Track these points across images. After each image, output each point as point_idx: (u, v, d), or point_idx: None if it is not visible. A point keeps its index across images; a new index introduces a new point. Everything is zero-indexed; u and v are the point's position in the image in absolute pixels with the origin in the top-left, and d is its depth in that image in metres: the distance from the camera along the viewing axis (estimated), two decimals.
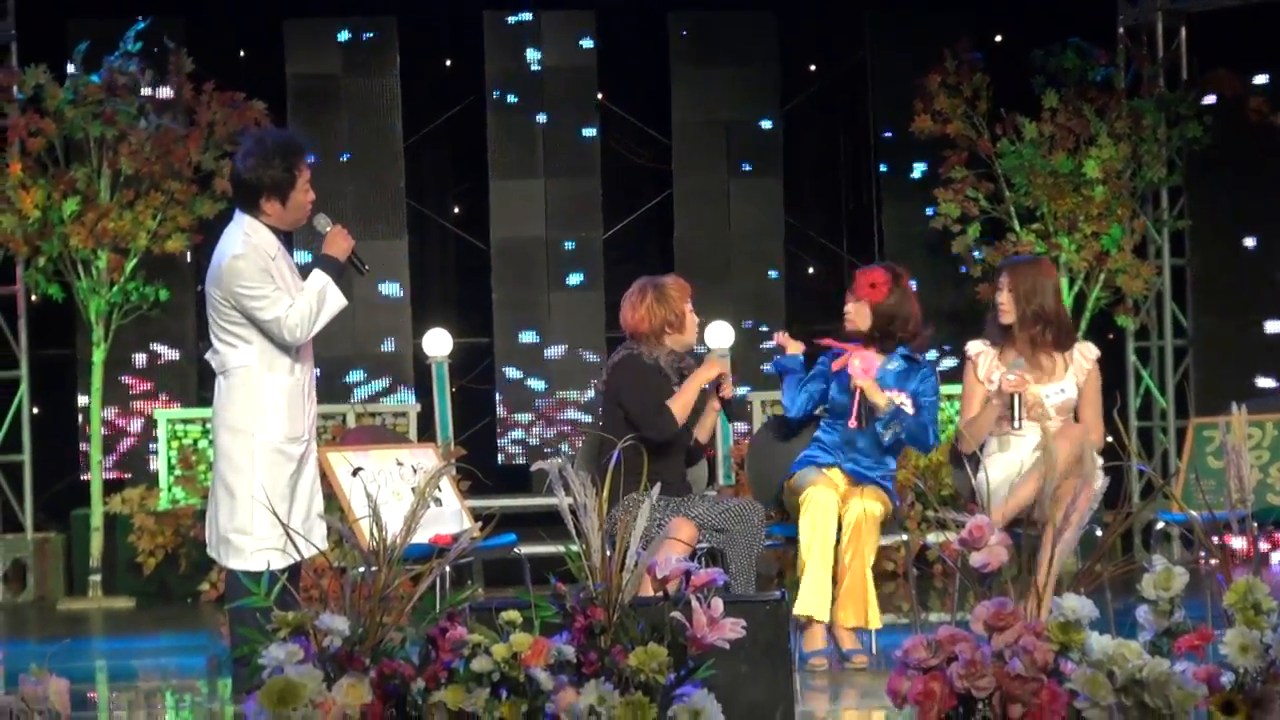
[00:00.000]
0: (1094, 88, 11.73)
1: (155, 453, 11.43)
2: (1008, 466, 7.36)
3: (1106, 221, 11.62)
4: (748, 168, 12.47)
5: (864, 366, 7.54)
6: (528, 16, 12.35)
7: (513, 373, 12.28)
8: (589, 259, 12.28)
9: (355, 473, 7.34)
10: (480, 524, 6.47)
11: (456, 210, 13.02)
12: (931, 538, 10.77)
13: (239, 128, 10.95)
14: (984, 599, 4.74)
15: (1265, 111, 11.74)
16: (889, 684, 4.77)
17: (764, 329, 12.28)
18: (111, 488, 11.34)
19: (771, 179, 12.51)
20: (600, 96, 12.46)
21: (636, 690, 4.80)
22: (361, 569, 4.96)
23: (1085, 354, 7.52)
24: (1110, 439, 7.56)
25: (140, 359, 11.88)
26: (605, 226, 12.45)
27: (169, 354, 11.93)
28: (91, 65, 11.07)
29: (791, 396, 7.75)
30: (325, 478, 7.16)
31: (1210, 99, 11.84)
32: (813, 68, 13.01)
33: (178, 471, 11.23)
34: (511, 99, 12.34)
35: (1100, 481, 5.26)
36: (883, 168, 12.59)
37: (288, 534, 5.88)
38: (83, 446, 11.62)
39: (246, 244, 6.49)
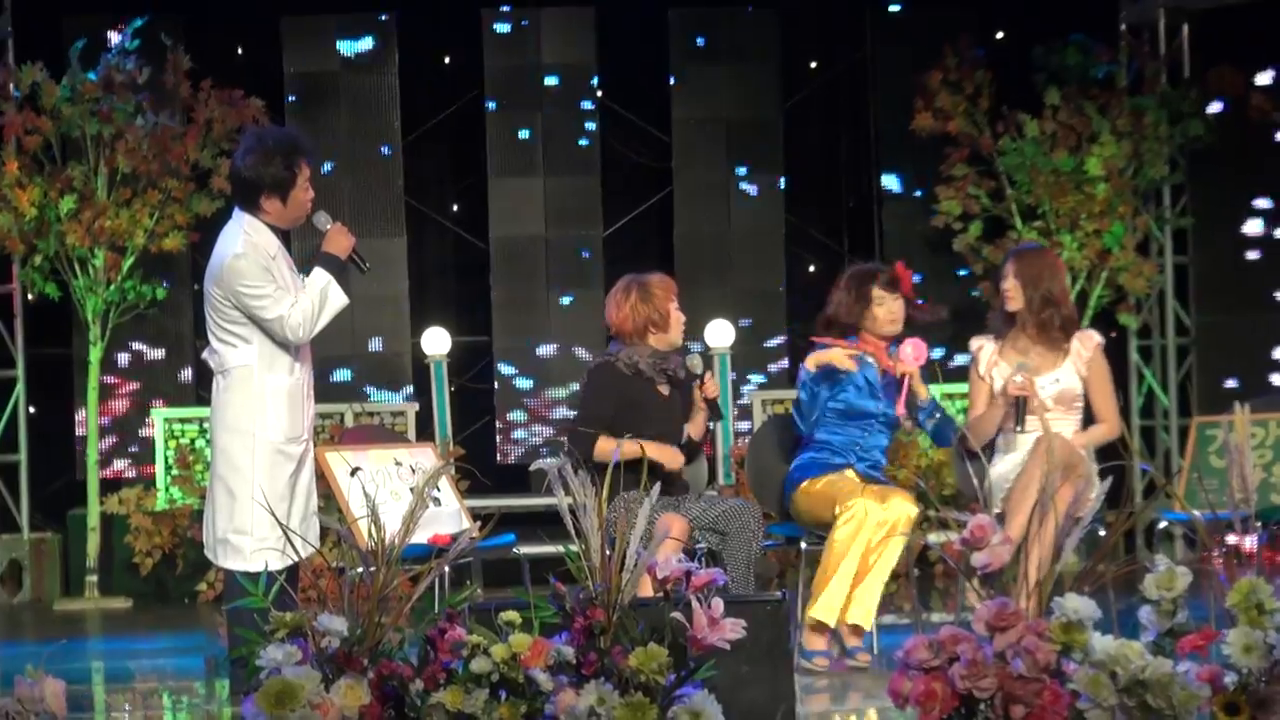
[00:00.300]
0: (1096, 85, 11.73)
1: (152, 452, 11.42)
2: (1011, 467, 7.36)
3: (1108, 219, 11.62)
4: (748, 166, 12.46)
5: (915, 354, 7.51)
6: (527, 14, 12.34)
7: (511, 372, 12.28)
8: (588, 258, 12.27)
9: (353, 472, 7.34)
10: (479, 524, 6.47)
11: (455, 208, 13.01)
12: (933, 537, 10.77)
13: (237, 126, 10.95)
14: (985, 599, 4.75)
15: (1268, 109, 11.74)
16: (890, 685, 4.77)
17: (764, 328, 12.28)
18: (108, 487, 11.34)
19: (772, 176, 12.50)
20: (600, 94, 12.45)
21: (636, 691, 4.80)
22: (360, 569, 4.96)
23: (1084, 343, 7.52)
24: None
25: (138, 358, 11.87)
26: (605, 225, 12.45)
27: (166, 353, 11.92)
28: (88, 63, 11.06)
29: (807, 414, 7.56)
30: (323, 477, 7.15)
31: (1216, 107, 11.82)
32: (814, 65, 13.01)
33: (175, 471, 11.23)
34: (511, 97, 12.33)
35: (1097, 485, 5.26)
36: (884, 165, 12.58)
37: (286, 534, 5.89)
38: (79, 446, 11.61)
39: (247, 243, 6.49)
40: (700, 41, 12.43)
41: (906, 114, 11.86)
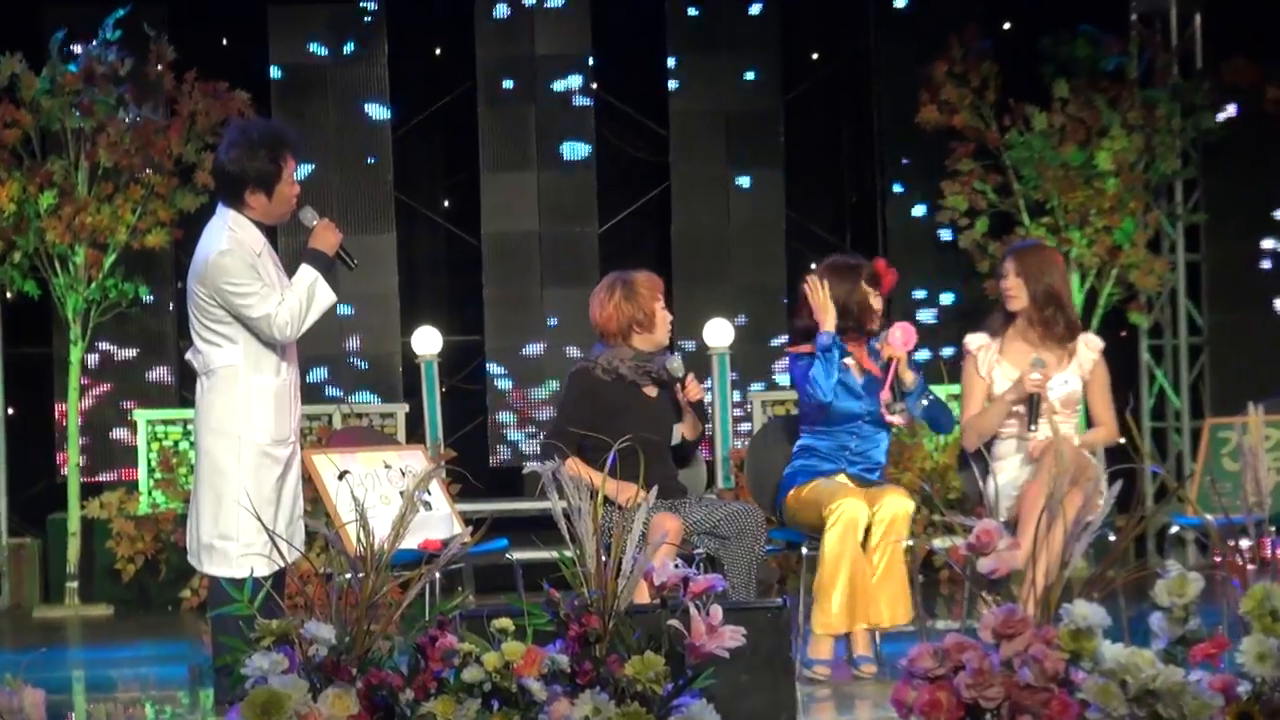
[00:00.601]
0: (1106, 77, 11.73)
1: (135, 455, 11.42)
2: (1018, 471, 7.36)
3: (1119, 215, 11.63)
4: (747, 160, 12.46)
5: (905, 338, 7.52)
6: (522, 2, 12.34)
7: (503, 372, 12.28)
8: (583, 254, 12.27)
9: (341, 476, 7.34)
10: (471, 529, 6.46)
11: (447, 204, 13.01)
12: (938, 543, 10.78)
13: (222, 119, 10.94)
14: (992, 606, 4.75)
15: None
16: (894, 694, 4.77)
17: (764, 327, 12.28)
18: (89, 491, 11.33)
19: (772, 171, 12.50)
20: (595, 86, 12.45)
21: (633, 701, 4.80)
22: (348, 575, 4.96)
23: (1089, 345, 7.53)
24: (1123, 440, 7.56)
25: (119, 358, 11.87)
26: (601, 221, 12.45)
27: (149, 353, 11.92)
28: (68, 54, 11.05)
29: (830, 374, 7.54)
30: (310, 481, 7.16)
31: (1230, 110, 11.82)
32: (815, 56, 13.01)
33: (158, 474, 11.22)
34: (504, 89, 12.34)
35: (1106, 488, 5.26)
36: (888, 160, 12.58)
37: (272, 539, 5.89)
38: (59, 448, 11.61)
39: (231, 239, 6.49)
40: (699, 31, 12.42)
41: (911, 107, 11.86)
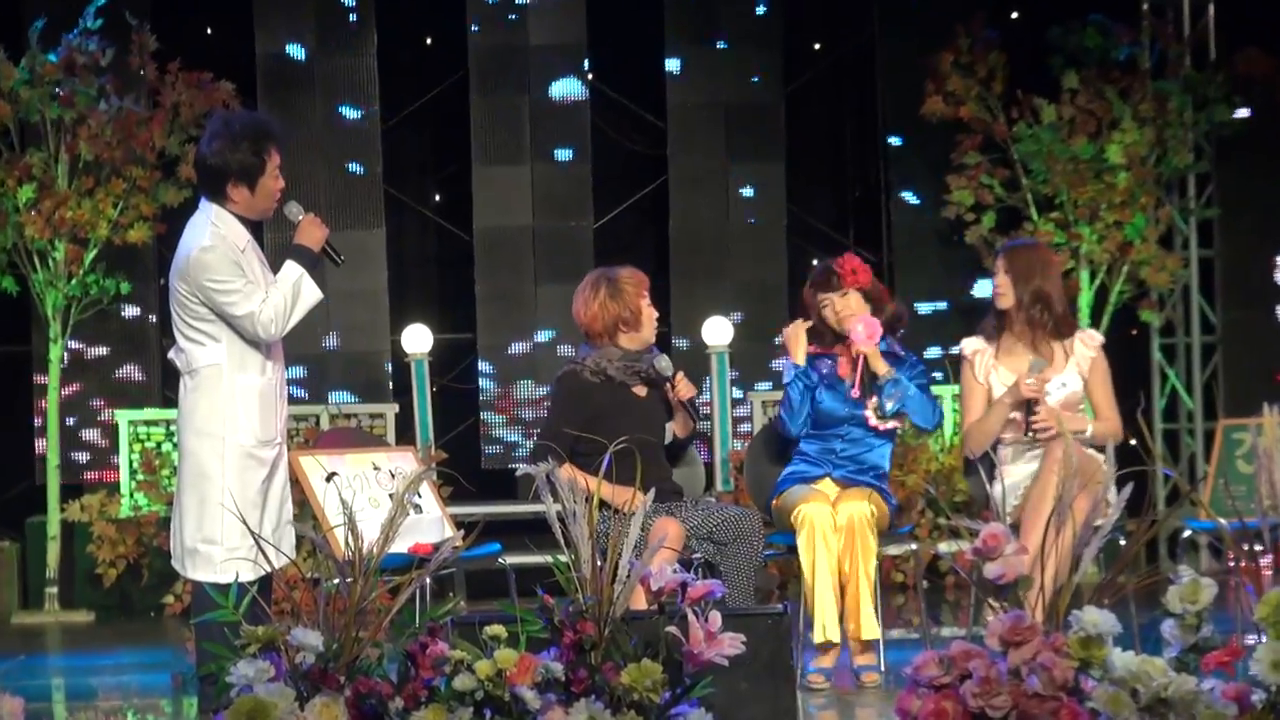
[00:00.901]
0: (1116, 68, 11.74)
1: (116, 457, 11.42)
2: (1025, 473, 7.36)
3: (1130, 210, 11.63)
4: (747, 153, 12.46)
5: (868, 332, 7.55)
6: None
7: (496, 371, 12.28)
8: (578, 250, 12.27)
9: (329, 478, 7.34)
10: (463, 532, 6.46)
11: (437, 198, 13.01)
12: (944, 547, 10.79)
13: (206, 110, 10.93)
14: (999, 612, 4.75)
15: None
16: (898, 703, 4.77)
17: (764, 325, 12.28)
18: (69, 494, 11.32)
19: (773, 165, 12.50)
20: (591, 76, 12.45)
21: (629, 710, 4.80)
22: (336, 581, 4.96)
23: (1086, 342, 7.53)
24: (1134, 442, 7.56)
25: (100, 356, 11.87)
26: (596, 215, 12.45)
27: (131, 351, 11.91)
28: (48, 43, 11.05)
29: (797, 411, 7.66)
30: (297, 483, 7.16)
31: (1244, 112, 11.82)
32: (817, 46, 13.01)
33: (140, 476, 11.22)
34: (497, 79, 12.33)
35: (1116, 491, 5.26)
36: (892, 153, 12.59)
37: (258, 543, 5.89)
38: (39, 449, 11.60)
39: (214, 235, 6.48)
40: (698, 20, 12.42)
41: (915, 98, 11.86)
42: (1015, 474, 7.40)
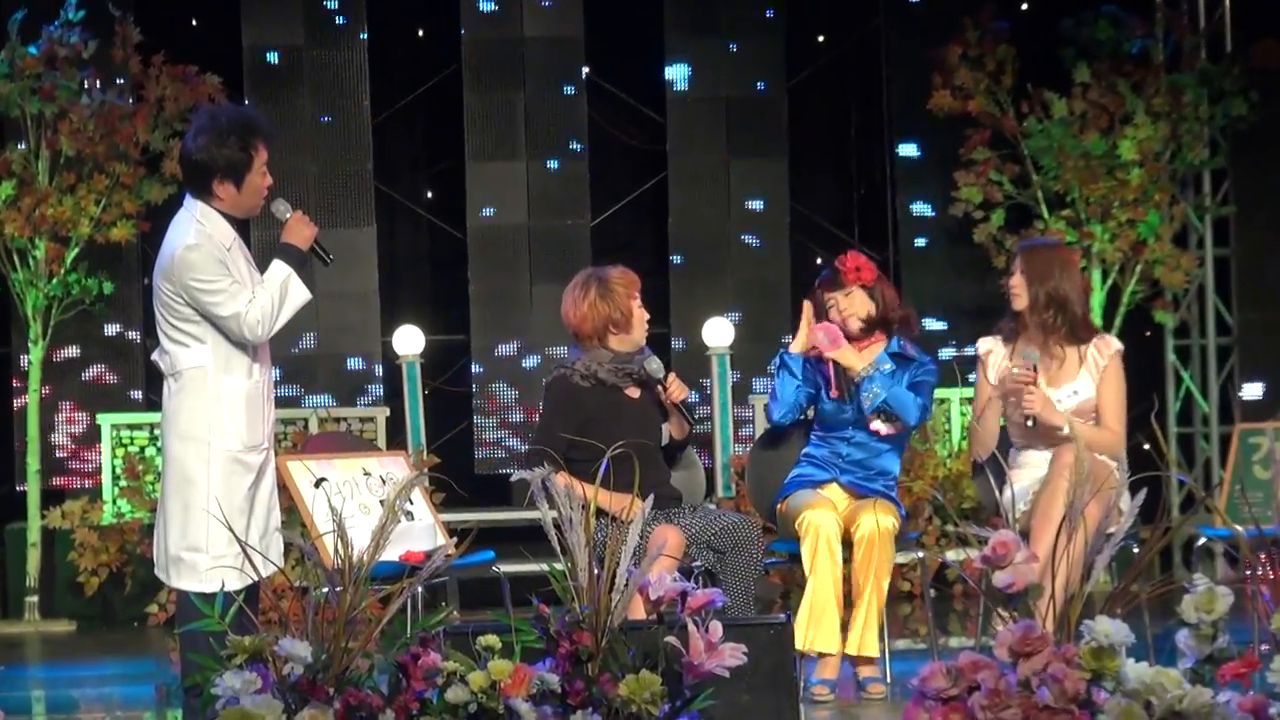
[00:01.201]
0: (1130, 61, 11.74)
1: (99, 462, 11.41)
2: (1035, 479, 7.36)
3: (1143, 208, 11.63)
4: (749, 149, 12.46)
5: (829, 336, 7.55)
6: None
7: (490, 373, 12.28)
8: (575, 248, 12.27)
9: (318, 484, 7.34)
10: (455, 540, 6.47)
11: (430, 195, 13.02)
12: (951, 555, 10.78)
13: (191, 104, 10.95)
14: (1009, 622, 4.75)
15: None
16: (904, 716, 4.77)
17: (767, 326, 12.29)
18: (50, 500, 11.32)
19: (775, 161, 12.51)
20: (588, 69, 12.45)
21: None
22: (325, 589, 4.96)
23: (1101, 348, 7.50)
24: (1147, 446, 7.56)
25: (82, 358, 11.86)
26: (593, 213, 12.45)
27: (114, 353, 11.91)
28: (29, 35, 11.05)
29: (780, 400, 7.67)
30: (285, 489, 7.16)
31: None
32: (821, 39, 13.02)
33: (123, 482, 11.22)
34: (491, 72, 12.33)
35: (1129, 497, 5.25)
36: (898, 149, 12.59)
37: (245, 551, 5.88)
38: (18, 454, 11.59)
39: (199, 233, 6.48)
40: (698, 12, 12.42)
41: (922, 92, 11.86)
42: (1025, 479, 7.39)
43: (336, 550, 4.95)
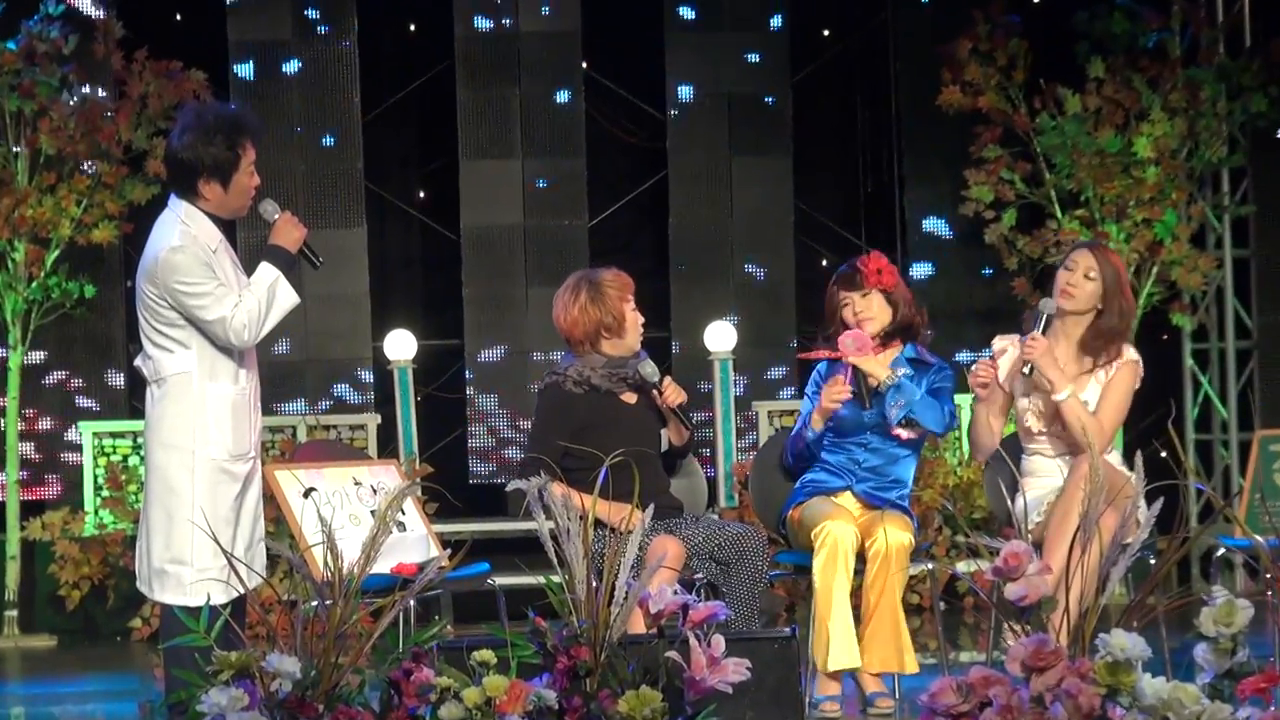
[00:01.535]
0: (1145, 55, 11.74)
1: (80, 471, 11.41)
2: (1050, 489, 7.35)
3: (1160, 207, 11.63)
4: (752, 147, 12.47)
5: (857, 344, 7.54)
6: None
7: (484, 378, 12.28)
8: (572, 250, 12.28)
9: (307, 494, 7.33)
10: (449, 551, 6.45)
11: (422, 195, 13.02)
12: (962, 566, 10.78)
13: (175, 101, 10.95)
14: (1021, 636, 4.75)
15: None
16: None
17: (770, 330, 12.29)
18: (30, 510, 11.32)
19: (779, 159, 12.51)
20: (586, 65, 12.46)
21: None
22: (315, 603, 4.96)
23: (1119, 359, 7.46)
24: (1164, 454, 7.55)
25: (63, 364, 11.86)
26: (591, 213, 12.46)
27: (95, 359, 11.91)
28: (7, 30, 11.05)
29: (799, 452, 7.67)
30: (273, 499, 7.15)
31: None
32: (826, 33, 13.02)
33: (105, 492, 11.22)
34: (485, 69, 12.34)
35: (1145, 506, 5.25)
36: (905, 145, 12.60)
37: (231, 564, 5.88)
38: None
39: (184, 234, 6.47)
40: (699, 6, 12.43)
41: (931, 88, 11.86)
42: (1037, 489, 7.38)
43: (326, 562, 4.94)
